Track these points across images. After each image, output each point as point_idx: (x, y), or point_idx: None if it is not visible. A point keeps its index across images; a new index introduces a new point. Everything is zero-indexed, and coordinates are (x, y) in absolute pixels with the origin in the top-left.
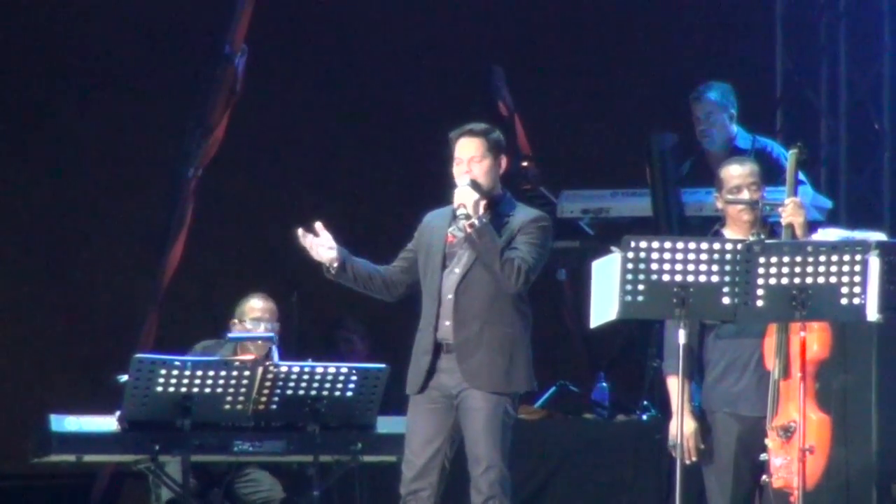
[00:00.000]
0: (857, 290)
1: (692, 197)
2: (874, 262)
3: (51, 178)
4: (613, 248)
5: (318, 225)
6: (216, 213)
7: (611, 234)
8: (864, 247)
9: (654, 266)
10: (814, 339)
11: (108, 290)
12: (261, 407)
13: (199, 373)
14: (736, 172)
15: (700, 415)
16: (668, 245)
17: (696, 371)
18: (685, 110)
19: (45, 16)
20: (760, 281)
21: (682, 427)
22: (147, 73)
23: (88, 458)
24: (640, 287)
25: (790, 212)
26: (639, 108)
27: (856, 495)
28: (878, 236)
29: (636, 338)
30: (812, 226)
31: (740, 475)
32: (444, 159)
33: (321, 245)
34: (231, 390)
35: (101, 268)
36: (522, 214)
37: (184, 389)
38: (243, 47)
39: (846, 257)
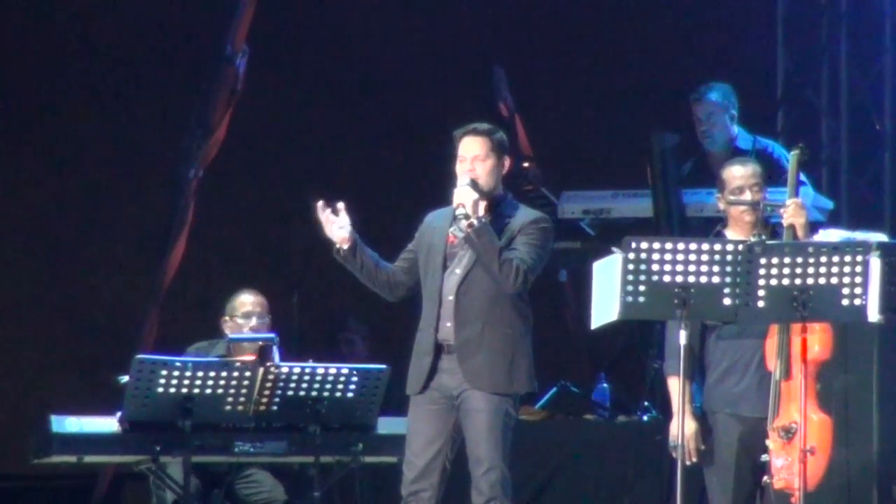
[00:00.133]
0: (858, 290)
1: (693, 198)
2: (875, 263)
3: (51, 178)
4: (614, 249)
5: (341, 204)
6: (217, 213)
7: (612, 234)
8: (865, 248)
9: (655, 267)
10: (815, 339)
11: (108, 290)
12: (262, 408)
13: (200, 374)
14: (738, 173)
15: (701, 416)
16: (668, 246)
17: (697, 372)
18: (686, 111)
19: (46, 16)
20: (761, 282)
21: (682, 428)
22: (148, 73)
23: (89, 458)
24: (641, 288)
25: (792, 213)
26: (639, 108)
27: (857, 496)
28: (879, 237)
29: (637, 339)
30: (813, 226)
31: (741, 476)
32: (444, 159)
33: (335, 223)
34: (232, 391)
35: (101, 268)
36: (523, 215)
37: (185, 390)
38: (244, 48)
39: (847, 258)
